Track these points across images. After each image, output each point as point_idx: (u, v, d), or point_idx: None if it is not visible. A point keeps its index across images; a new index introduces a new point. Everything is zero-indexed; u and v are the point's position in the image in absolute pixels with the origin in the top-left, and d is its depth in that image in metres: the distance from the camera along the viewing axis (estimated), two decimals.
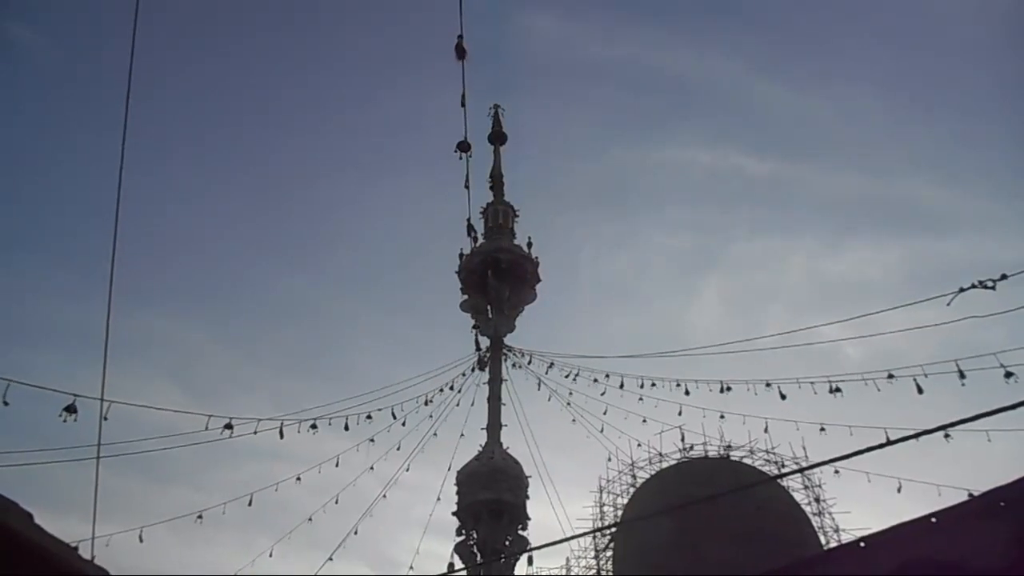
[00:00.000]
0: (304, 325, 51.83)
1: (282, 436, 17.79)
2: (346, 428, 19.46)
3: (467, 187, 17.37)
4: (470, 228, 20.32)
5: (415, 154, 51.22)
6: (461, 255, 22.55)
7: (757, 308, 52.63)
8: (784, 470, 20.39)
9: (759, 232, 55.44)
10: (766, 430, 20.12)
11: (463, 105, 12.60)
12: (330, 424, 19.21)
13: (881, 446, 5.17)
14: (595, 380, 21.23)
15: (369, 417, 19.85)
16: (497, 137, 24.05)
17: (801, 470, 18.66)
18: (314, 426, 18.85)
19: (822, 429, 19.60)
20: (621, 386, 20.94)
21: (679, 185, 55.34)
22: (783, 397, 19.20)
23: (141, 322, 43.49)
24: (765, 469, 20.10)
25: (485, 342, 22.00)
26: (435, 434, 21.47)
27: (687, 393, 20.27)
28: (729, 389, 20.13)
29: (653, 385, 20.83)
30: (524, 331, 22.50)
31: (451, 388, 21.64)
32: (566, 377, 21.50)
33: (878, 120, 52.15)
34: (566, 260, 52.41)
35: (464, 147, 16.00)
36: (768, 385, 19.57)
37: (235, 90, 52.94)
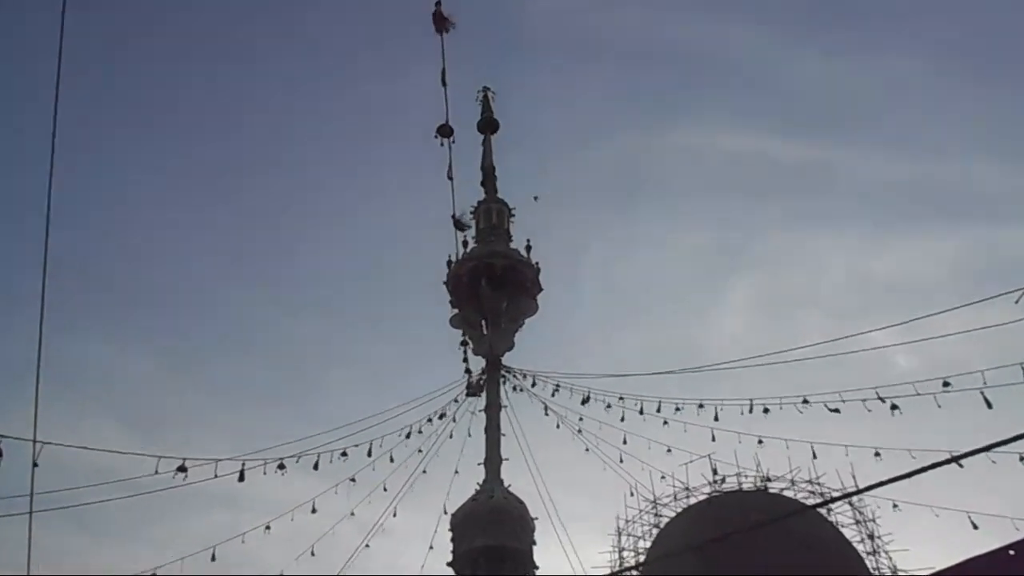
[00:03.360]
0: (268, 348, 50.33)
1: (242, 478, 17.64)
2: (315, 467, 19.16)
3: (450, 178, 17.19)
4: (458, 226, 19.96)
5: (394, 144, 49.20)
6: (449, 262, 22.12)
7: (792, 314, 51.90)
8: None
9: (792, 226, 54.34)
10: (814, 456, 19.79)
11: (444, 83, 12.78)
12: (298, 462, 19.02)
13: (941, 464, 4.75)
14: (608, 405, 20.89)
15: (344, 454, 19.60)
16: (488, 125, 23.67)
17: (848, 495, 18.81)
18: (282, 466, 18.62)
19: (876, 454, 19.34)
20: (640, 411, 20.62)
21: (698, 174, 54.07)
22: (833, 411, 18.87)
23: (78, 350, 42.89)
24: (809, 503, 19.88)
25: (479, 362, 21.76)
26: (424, 472, 21.36)
27: (716, 418, 20.06)
28: (766, 411, 19.92)
29: (677, 409, 20.57)
30: (525, 348, 22.23)
31: (441, 417, 21.32)
32: (579, 401, 21.25)
33: (927, 94, 51.51)
34: (571, 265, 50.99)
35: (445, 132, 15.65)
36: (806, 402, 19.31)
37: (184, 75, 51.61)
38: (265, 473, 18.46)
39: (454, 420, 21.39)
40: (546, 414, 21.62)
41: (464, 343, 21.58)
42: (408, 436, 20.91)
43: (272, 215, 53.07)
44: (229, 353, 50.61)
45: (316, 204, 52.79)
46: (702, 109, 54.22)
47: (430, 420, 21.24)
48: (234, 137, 52.71)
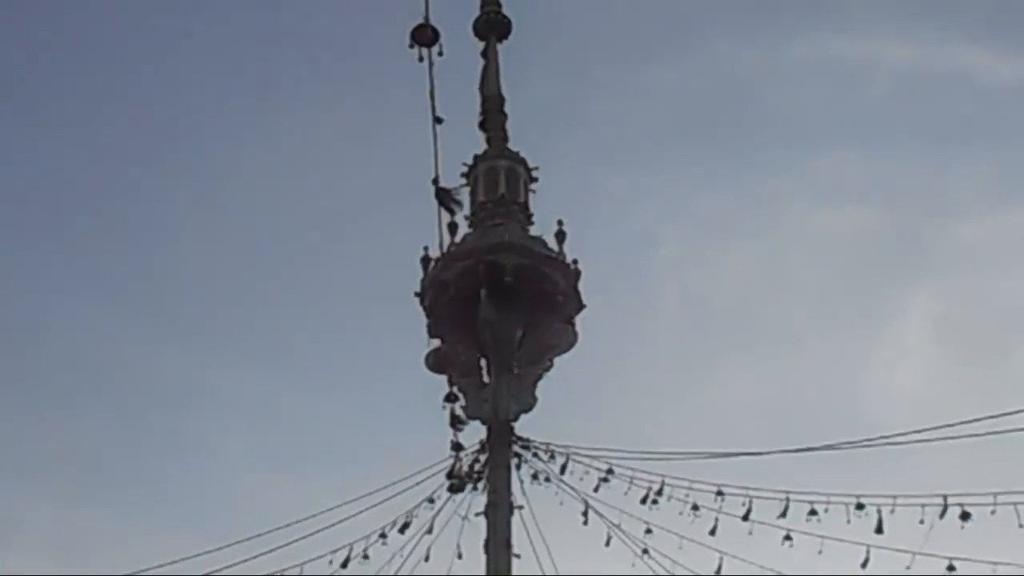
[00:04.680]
0: (117, 405, 38.38)
1: None
2: None
3: (436, 119, 14.76)
4: (444, 200, 16.96)
5: (340, 57, 38.49)
6: (426, 259, 17.83)
7: (1010, 349, 40.59)
8: None
9: (1007, 198, 43.12)
10: None
11: None
12: None
13: None
14: (694, 507, 16.81)
15: None
16: (491, 26, 19.14)
17: None
18: None
19: None
20: (746, 516, 16.59)
21: (847, 109, 41.73)
22: None
23: None
24: None
25: (476, 432, 17.50)
26: None
27: (879, 528, 16.08)
28: (965, 516, 15.99)
29: (813, 512, 16.45)
30: (553, 408, 18.12)
31: (404, 529, 17.46)
32: (640, 497, 17.14)
33: None
34: (632, 262, 38.42)
35: (425, 38, 13.98)
36: None
37: None
38: None
39: (430, 532, 17.44)
40: (586, 521, 17.43)
41: (450, 398, 17.49)
42: (346, 563, 17.15)
43: (148, 178, 40.56)
44: (57, 413, 38.55)
45: (201, 149, 40.87)
46: (855, 4, 42.58)
47: (383, 536, 17.31)
48: (97, 49, 41.05)
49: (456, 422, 17.10)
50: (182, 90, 39.75)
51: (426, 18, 13.67)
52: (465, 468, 17.04)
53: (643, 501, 16.79)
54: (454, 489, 17.02)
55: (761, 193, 42.07)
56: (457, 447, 17.03)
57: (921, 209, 41.30)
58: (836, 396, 37.39)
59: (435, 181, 16.15)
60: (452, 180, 17.84)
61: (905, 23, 41.56)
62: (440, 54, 13.91)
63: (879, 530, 15.83)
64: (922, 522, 15.62)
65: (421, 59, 13.70)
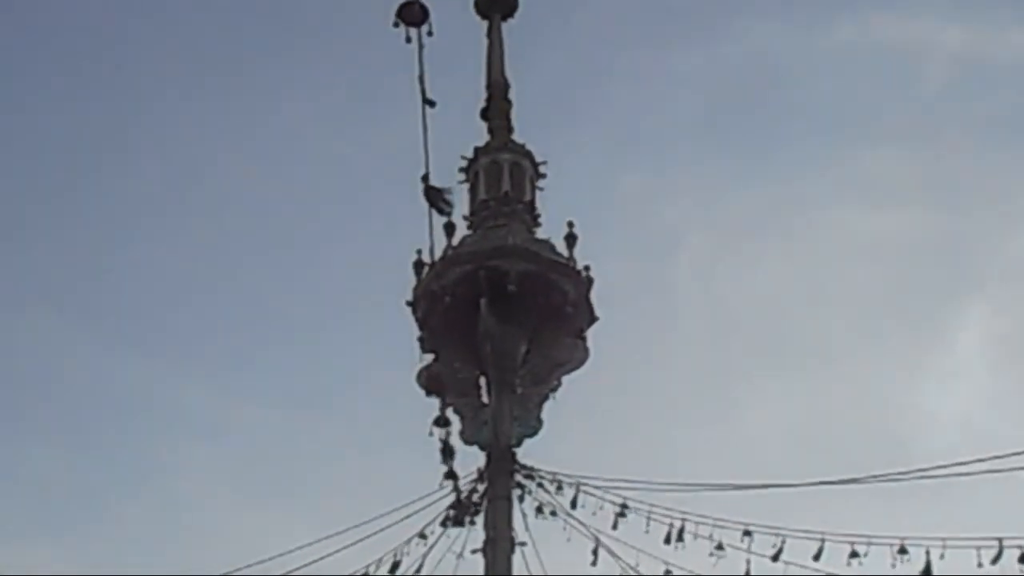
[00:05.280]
0: (65, 425, 36.00)
1: None
2: None
3: (427, 102, 13.38)
4: (433, 199, 15.57)
5: (315, 38, 35.82)
6: (420, 264, 17.05)
7: None
8: None
9: None
10: None
11: None
12: None
13: None
14: (718, 546, 15.95)
15: None
16: (495, 3, 18.52)
17: None
18: None
19: None
20: (776, 557, 15.69)
21: (893, 99, 39.29)
22: None
23: None
24: None
25: (473, 458, 16.69)
26: None
27: (927, 573, 15.04)
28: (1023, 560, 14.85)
29: (854, 555, 15.47)
30: (560, 433, 17.64)
31: (392, 569, 16.58)
32: (662, 535, 16.08)
33: None
34: (649, 272, 37.07)
35: (413, 16, 12.92)
36: None
37: None
38: None
39: (419, 571, 16.66)
40: (594, 564, 16.45)
41: (442, 422, 16.51)
42: None
43: (82, 156, 37.58)
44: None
45: (162, 138, 37.81)
46: None
47: None
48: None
49: (448, 451, 16.17)
50: (142, 74, 36.90)
51: None
52: (465, 498, 16.24)
53: (667, 541, 15.79)
54: (456, 523, 16.16)
55: (797, 194, 39.87)
56: (451, 476, 16.19)
57: (978, 213, 38.21)
58: (879, 423, 34.97)
59: (425, 178, 14.84)
60: (450, 175, 16.86)
61: (963, 2, 39.23)
62: (430, 34, 12.72)
63: (926, 574, 14.80)
64: (980, 565, 14.57)
65: (408, 40, 12.56)
